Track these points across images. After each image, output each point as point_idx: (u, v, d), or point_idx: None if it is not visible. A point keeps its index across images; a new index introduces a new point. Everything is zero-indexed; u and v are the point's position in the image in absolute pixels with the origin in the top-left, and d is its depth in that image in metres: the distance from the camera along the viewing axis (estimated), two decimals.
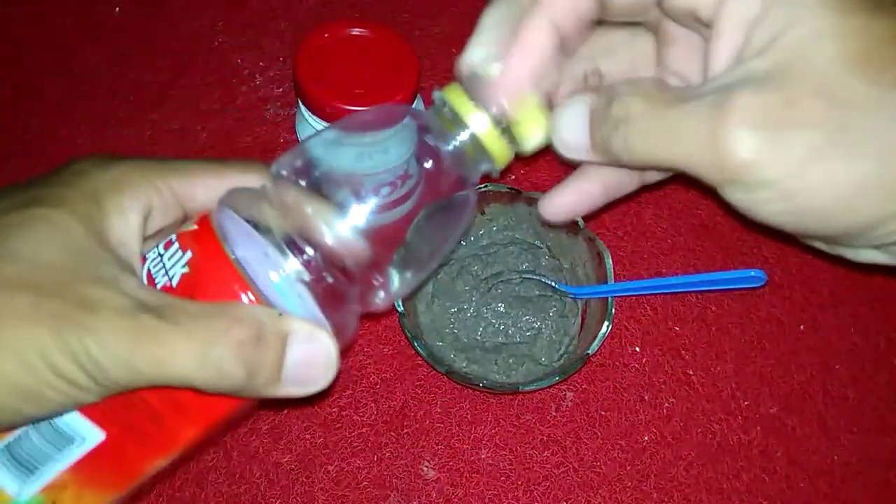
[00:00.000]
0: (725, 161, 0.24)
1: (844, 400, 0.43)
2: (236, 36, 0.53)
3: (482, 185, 0.42)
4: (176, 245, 0.27)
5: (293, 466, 0.40)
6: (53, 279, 0.23)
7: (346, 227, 0.27)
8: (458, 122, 0.28)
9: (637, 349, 0.44)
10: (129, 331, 0.23)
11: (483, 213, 0.45)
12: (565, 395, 0.43)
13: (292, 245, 0.27)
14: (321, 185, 0.29)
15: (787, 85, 0.24)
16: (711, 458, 0.41)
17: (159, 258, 0.27)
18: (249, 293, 0.26)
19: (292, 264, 0.26)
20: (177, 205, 0.28)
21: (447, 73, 0.43)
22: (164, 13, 0.53)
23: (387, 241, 0.29)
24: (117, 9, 0.53)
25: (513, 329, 0.43)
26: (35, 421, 0.25)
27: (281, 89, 0.51)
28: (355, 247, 0.27)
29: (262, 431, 0.41)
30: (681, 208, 0.48)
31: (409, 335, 0.39)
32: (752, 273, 0.38)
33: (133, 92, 0.50)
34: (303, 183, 0.29)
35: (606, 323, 0.39)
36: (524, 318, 0.43)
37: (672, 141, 0.25)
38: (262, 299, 0.26)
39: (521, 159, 0.30)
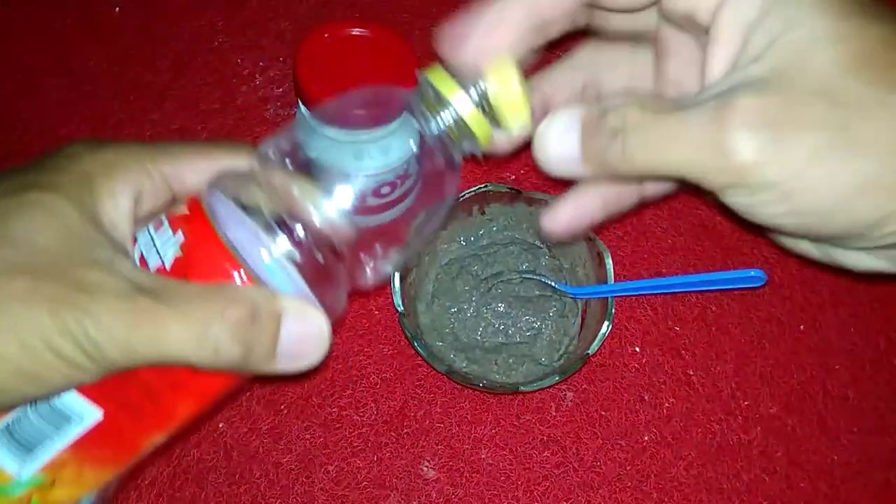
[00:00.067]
0: (728, 164, 0.24)
1: (844, 400, 0.43)
2: (236, 36, 0.53)
3: (482, 186, 0.42)
4: (167, 227, 0.27)
5: (293, 466, 0.40)
6: (50, 263, 0.24)
7: (332, 207, 0.28)
8: (440, 102, 0.28)
9: (637, 349, 0.44)
10: (127, 312, 0.23)
11: (483, 213, 0.45)
12: (565, 395, 0.43)
13: (281, 225, 0.27)
14: (308, 166, 0.29)
15: (787, 87, 0.24)
16: (711, 458, 0.41)
17: (150, 240, 0.27)
18: (242, 273, 0.26)
19: (282, 244, 0.27)
20: (166, 187, 0.29)
21: None
22: (164, 13, 0.53)
23: (374, 223, 0.30)
24: (117, 9, 0.53)
25: (513, 329, 0.43)
26: (34, 401, 0.26)
27: (281, 89, 0.51)
28: (342, 226, 0.28)
29: (262, 431, 0.41)
30: (681, 208, 0.48)
31: (409, 335, 0.39)
32: (752, 273, 0.38)
33: (133, 92, 0.50)
34: (290, 164, 0.29)
35: (606, 323, 0.39)
36: (524, 318, 0.43)
37: (672, 148, 0.25)
38: (254, 279, 0.26)
39: (518, 157, 0.30)
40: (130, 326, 0.24)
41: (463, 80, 0.28)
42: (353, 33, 0.41)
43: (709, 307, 0.45)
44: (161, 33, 0.52)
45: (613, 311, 0.39)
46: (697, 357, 0.44)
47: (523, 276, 0.44)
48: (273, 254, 0.27)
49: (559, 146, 0.27)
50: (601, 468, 0.41)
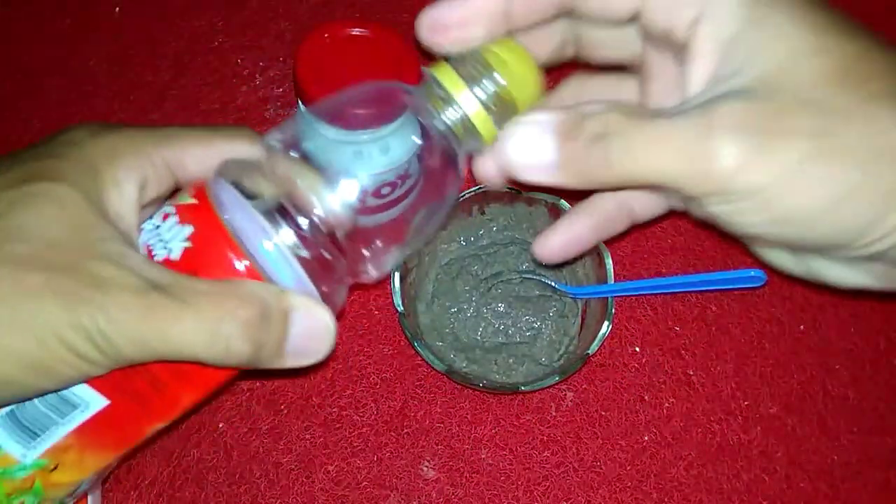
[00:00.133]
0: (710, 169, 0.24)
1: (844, 400, 0.43)
2: (236, 36, 0.53)
3: (482, 186, 0.42)
4: (174, 218, 0.27)
5: (293, 466, 0.40)
6: (62, 257, 0.24)
7: (336, 200, 0.28)
8: (446, 99, 0.28)
9: (637, 349, 0.44)
10: (141, 308, 0.24)
11: (483, 213, 0.45)
12: (565, 395, 0.43)
13: (288, 217, 0.27)
14: (313, 158, 0.29)
15: (770, 96, 0.24)
16: (711, 458, 0.41)
17: (156, 230, 0.27)
18: (249, 266, 0.26)
19: (289, 237, 0.27)
20: (169, 174, 0.28)
21: None
22: (164, 13, 0.53)
23: (377, 217, 0.30)
24: (117, 9, 0.53)
25: (513, 329, 0.43)
26: (44, 394, 0.26)
27: (281, 89, 0.51)
28: (345, 220, 0.28)
29: (262, 431, 0.41)
30: (678, 216, 0.48)
31: (409, 335, 0.39)
32: (752, 273, 0.38)
33: (133, 92, 0.50)
34: (296, 155, 0.29)
35: (606, 323, 0.39)
36: (524, 318, 0.43)
37: (654, 154, 0.25)
38: (262, 273, 0.27)
39: None
40: (144, 323, 0.24)
41: (470, 78, 0.28)
42: (353, 33, 0.41)
43: (709, 307, 0.45)
44: (161, 33, 0.52)
45: (613, 311, 0.39)
46: (697, 357, 0.44)
47: (523, 276, 0.44)
48: (279, 246, 0.27)
49: (533, 151, 0.27)
50: (601, 468, 0.41)
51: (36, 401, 0.26)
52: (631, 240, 0.47)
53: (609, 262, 0.40)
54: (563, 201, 0.42)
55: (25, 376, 0.24)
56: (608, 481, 0.40)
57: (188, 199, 0.28)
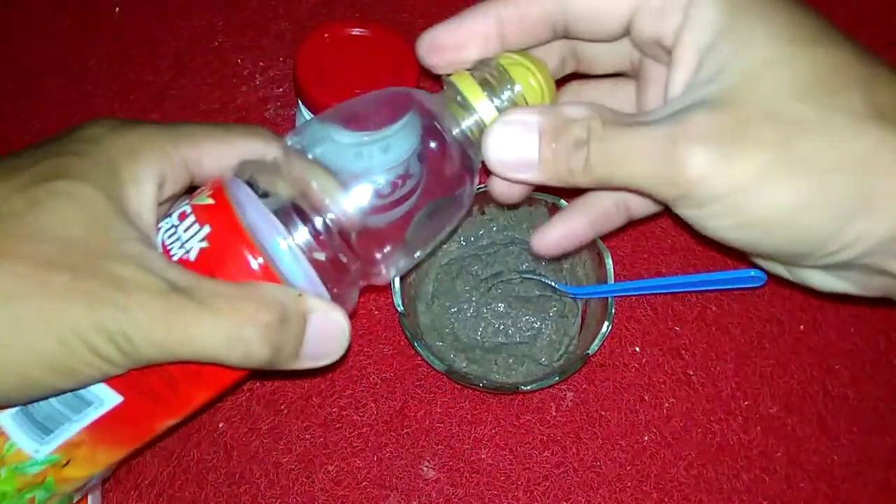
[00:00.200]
0: (679, 176, 0.25)
1: (844, 400, 0.43)
2: (236, 36, 0.53)
3: (482, 186, 0.42)
4: (192, 218, 0.27)
5: (293, 466, 0.40)
6: (84, 257, 0.24)
7: (350, 203, 0.29)
8: (466, 108, 0.29)
9: (637, 349, 0.44)
10: (162, 311, 0.24)
11: (483, 213, 0.45)
12: (565, 395, 0.43)
13: (304, 219, 0.28)
14: (329, 161, 0.30)
15: (736, 107, 0.25)
16: (711, 458, 0.41)
17: (174, 229, 0.28)
18: (266, 267, 0.27)
19: (305, 238, 0.28)
20: (186, 171, 0.29)
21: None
22: (164, 13, 0.53)
23: (390, 220, 0.30)
24: (117, 9, 0.53)
25: (513, 329, 0.43)
26: (62, 393, 0.26)
27: (281, 89, 0.51)
28: (360, 222, 0.29)
29: (262, 431, 0.41)
30: (672, 213, 0.48)
31: (409, 335, 0.39)
32: (752, 273, 0.38)
33: (133, 92, 0.50)
34: (312, 157, 0.30)
35: (606, 323, 0.39)
36: (524, 318, 0.43)
37: (630, 161, 0.26)
38: (279, 275, 0.27)
39: None
40: (166, 326, 0.24)
41: (488, 86, 0.29)
42: (353, 33, 0.41)
43: (709, 307, 0.45)
44: (161, 33, 0.52)
45: (613, 311, 0.39)
46: (697, 357, 0.44)
47: (523, 276, 0.44)
48: (295, 246, 0.27)
49: (515, 150, 0.27)
50: (601, 468, 0.41)
51: (50, 398, 0.26)
52: (631, 240, 0.47)
53: (609, 262, 0.40)
54: (562, 201, 0.42)
55: (46, 376, 0.24)
56: (608, 481, 0.40)
57: (206, 200, 0.28)
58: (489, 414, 0.42)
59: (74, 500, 0.31)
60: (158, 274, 0.25)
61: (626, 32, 0.29)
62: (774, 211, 0.25)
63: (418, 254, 0.33)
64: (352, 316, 0.30)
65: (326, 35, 0.41)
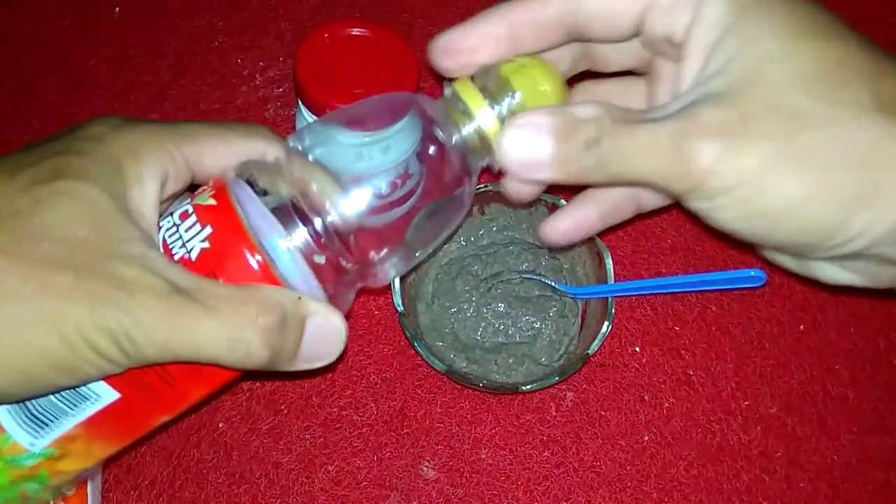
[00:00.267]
0: (689, 170, 0.25)
1: (844, 400, 0.43)
2: (236, 36, 0.53)
3: (482, 186, 0.42)
4: (194, 217, 0.28)
5: (293, 466, 0.40)
6: (87, 257, 0.24)
7: (350, 205, 0.29)
8: (466, 115, 0.29)
9: (637, 349, 0.44)
10: (165, 311, 0.24)
11: (483, 213, 0.45)
12: (565, 395, 0.43)
13: (306, 221, 0.28)
14: (330, 163, 0.30)
15: (742, 100, 0.25)
16: (711, 458, 0.41)
17: (175, 228, 0.28)
18: (266, 268, 0.27)
19: (304, 240, 0.28)
20: (187, 170, 0.29)
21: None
22: (164, 13, 0.53)
23: (389, 224, 0.31)
24: (117, 9, 0.53)
25: (513, 329, 0.43)
26: (62, 390, 0.26)
27: (281, 89, 0.51)
28: (359, 224, 0.29)
29: (262, 431, 0.41)
30: (681, 208, 0.48)
31: (409, 335, 0.39)
32: (752, 273, 0.38)
33: (133, 92, 0.50)
34: (313, 159, 0.30)
35: (606, 323, 0.39)
36: (524, 318, 0.43)
37: (641, 157, 0.26)
38: (279, 276, 0.27)
39: None
40: (168, 327, 0.24)
41: (489, 94, 0.29)
42: (353, 33, 0.41)
43: (709, 307, 0.45)
44: (161, 33, 0.52)
45: (613, 311, 0.39)
46: (697, 357, 0.44)
47: (523, 276, 0.44)
48: (296, 248, 0.28)
49: (529, 150, 0.28)
50: (601, 468, 0.41)
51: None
52: (631, 240, 0.47)
53: (609, 262, 0.40)
54: (562, 200, 0.42)
55: (48, 374, 0.24)
56: (608, 481, 0.40)
57: (208, 200, 0.28)
58: (489, 414, 0.42)
59: (66, 493, 0.31)
60: (161, 275, 0.25)
61: (638, 32, 0.29)
62: (781, 202, 0.25)
63: (417, 255, 0.33)
64: (348, 316, 0.30)
65: (326, 35, 0.41)
